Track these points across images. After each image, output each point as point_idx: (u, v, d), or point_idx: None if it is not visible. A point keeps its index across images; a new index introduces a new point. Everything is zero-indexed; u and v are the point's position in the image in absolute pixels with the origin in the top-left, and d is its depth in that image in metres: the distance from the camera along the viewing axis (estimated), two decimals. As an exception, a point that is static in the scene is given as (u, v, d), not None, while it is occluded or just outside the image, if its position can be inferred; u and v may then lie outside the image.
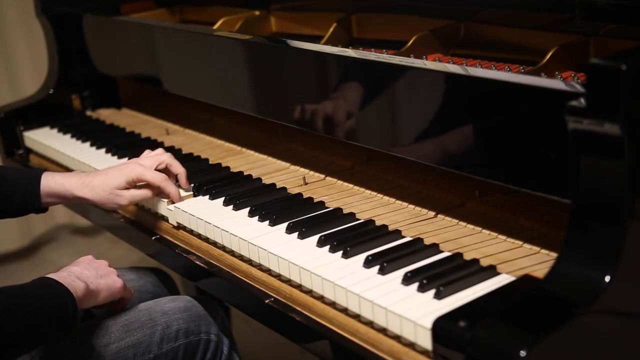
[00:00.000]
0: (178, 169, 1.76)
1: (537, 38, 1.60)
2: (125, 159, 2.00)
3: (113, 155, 2.08)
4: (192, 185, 1.77)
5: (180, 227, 1.71)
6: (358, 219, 1.54)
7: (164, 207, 1.74)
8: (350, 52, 1.66)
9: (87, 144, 2.21)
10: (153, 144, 2.14)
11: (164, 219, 1.76)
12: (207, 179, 1.81)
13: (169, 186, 1.71)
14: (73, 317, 1.41)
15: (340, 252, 1.40)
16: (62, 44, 2.52)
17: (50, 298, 1.40)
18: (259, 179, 1.79)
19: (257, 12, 2.23)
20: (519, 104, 1.27)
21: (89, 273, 1.52)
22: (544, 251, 1.33)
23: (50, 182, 1.74)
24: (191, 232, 1.68)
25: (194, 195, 1.75)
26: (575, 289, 1.09)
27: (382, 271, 1.31)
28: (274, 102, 1.82)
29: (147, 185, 1.72)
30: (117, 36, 2.39)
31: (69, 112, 2.51)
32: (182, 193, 1.74)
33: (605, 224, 1.10)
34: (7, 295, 1.35)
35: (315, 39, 1.94)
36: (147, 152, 1.82)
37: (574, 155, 1.11)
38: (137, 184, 1.72)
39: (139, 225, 1.83)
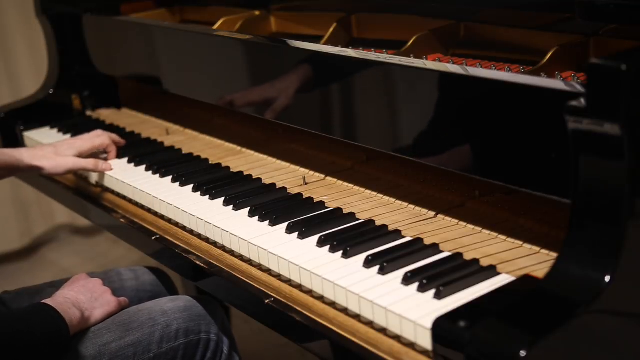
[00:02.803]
0: (113, 137, 2.05)
1: (537, 38, 1.60)
2: (125, 160, 2.01)
3: (113, 155, 2.08)
4: (193, 185, 1.78)
5: (179, 226, 1.71)
6: (358, 219, 1.54)
7: (164, 206, 1.74)
8: (350, 52, 1.65)
9: (87, 144, 2.21)
10: (153, 144, 2.14)
11: (164, 218, 1.77)
12: (207, 179, 1.81)
13: (111, 146, 2.02)
14: (65, 344, 1.49)
15: (340, 252, 1.40)
16: (62, 44, 2.52)
17: (44, 325, 1.46)
18: (259, 179, 1.79)
19: (257, 12, 2.23)
20: (519, 104, 1.27)
21: (84, 298, 1.58)
22: (544, 251, 1.33)
23: (2, 156, 1.88)
24: (191, 232, 1.68)
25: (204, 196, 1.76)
26: (575, 289, 1.09)
27: (382, 271, 1.31)
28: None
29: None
30: (117, 36, 2.39)
31: (69, 112, 2.51)
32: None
33: (605, 224, 1.10)
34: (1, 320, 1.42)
35: (315, 39, 1.94)
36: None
37: (574, 155, 1.11)
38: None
39: (138, 225, 1.83)
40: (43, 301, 1.52)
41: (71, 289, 1.61)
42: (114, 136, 2.07)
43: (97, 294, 1.62)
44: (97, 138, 2.01)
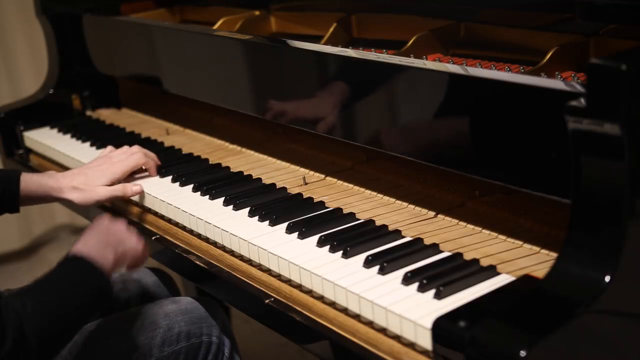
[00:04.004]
0: (149, 154, 1.89)
1: (537, 38, 1.60)
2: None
3: (113, 155, 2.08)
4: (193, 185, 1.78)
5: (179, 226, 1.71)
6: (358, 219, 1.54)
7: (164, 206, 1.74)
8: (350, 52, 1.66)
9: (87, 144, 2.21)
10: (153, 144, 2.14)
11: (164, 218, 1.77)
12: (207, 179, 1.81)
13: (149, 162, 1.87)
14: (108, 291, 1.41)
15: (340, 252, 1.40)
16: (62, 44, 2.52)
17: (87, 285, 1.37)
18: (259, 179, 1.79)
19: (257, 12, 2.23)
20: (519, 104, 1.27)
21: (112, 238, 1.48)
22: (544, 251, 1.33)
23: (30, 184, 1.75)
24: (191, 231, 1.68)
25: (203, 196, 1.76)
26: (575, 289, 1.09)
27: (382, 271, 1.31)
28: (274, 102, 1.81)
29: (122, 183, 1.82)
30: (117, 36, 2.39)
31: (69, 112, 2.51)
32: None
33: (605, 224, 1.10)
34: (44, 291, 1.33)
35: (315, 39, 1.94)
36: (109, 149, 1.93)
37: (574, 155, 1.11)
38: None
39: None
40: (81, 254, 1.40)
41: (96, 232, 1.49)
42: (150, 154, 1.90)
43: (123, 236, 1.52)
44: (130, 160, 1.83)
